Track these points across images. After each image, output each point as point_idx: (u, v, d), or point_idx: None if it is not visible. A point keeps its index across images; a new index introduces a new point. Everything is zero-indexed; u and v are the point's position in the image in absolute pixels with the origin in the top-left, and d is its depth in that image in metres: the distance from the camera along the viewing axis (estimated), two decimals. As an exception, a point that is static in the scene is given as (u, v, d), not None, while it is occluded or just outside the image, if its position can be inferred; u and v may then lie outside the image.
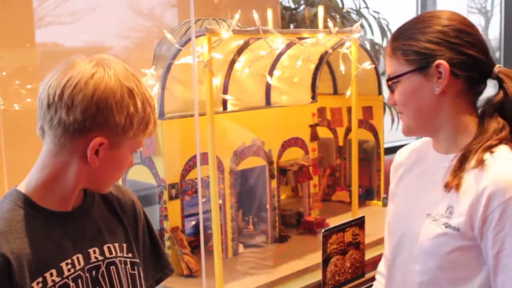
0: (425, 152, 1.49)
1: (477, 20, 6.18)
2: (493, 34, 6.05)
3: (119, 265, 1.27)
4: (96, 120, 1.14)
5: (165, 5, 3.37)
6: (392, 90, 1.41)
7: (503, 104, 1.35)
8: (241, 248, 2.54)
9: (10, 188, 1.23)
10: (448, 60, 1.32)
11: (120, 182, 1.40)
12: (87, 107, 1.12)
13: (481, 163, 1.28)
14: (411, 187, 1.48)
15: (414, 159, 1.52)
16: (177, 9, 3.38)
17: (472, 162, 1.30)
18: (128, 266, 1.30)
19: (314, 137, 2.90)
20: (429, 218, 1.35)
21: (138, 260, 1.33)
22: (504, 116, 1.35)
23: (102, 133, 1.15)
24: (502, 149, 1.31)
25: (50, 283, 1.15)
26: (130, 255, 1.31)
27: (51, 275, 1.16)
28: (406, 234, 1.42)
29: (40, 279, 1.14)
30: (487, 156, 1.29)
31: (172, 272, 1.46)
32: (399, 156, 1.59)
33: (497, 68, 1.37)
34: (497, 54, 5.77)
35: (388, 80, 1.41)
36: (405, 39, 1.37)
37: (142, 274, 1.33)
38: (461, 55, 1.33)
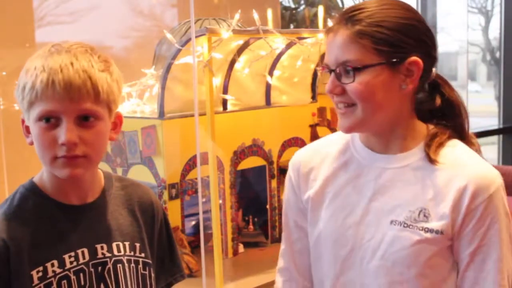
0: (349, 153, 1.35)
1: (477, 20, 6.17)
2: (493, 34, 6.05)
3: (126, 264, 1.27)
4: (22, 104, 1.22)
5: (165, 5, 3.37)
6: (338, 78, 1.24)
7: (442, 107, 1.32)
8: (241, 248, 2.54)
9: (10, 188, 1.25)
10: (421, 58, 1.24)
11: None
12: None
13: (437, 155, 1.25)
14: (344, 194, 1.32)
15: (335, 162, 1.36)
16: (177, 9, 3.38)
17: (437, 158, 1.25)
18: (140, 266, 1.29)
19: (314, 137, 2.90)
20: (396, 226, 1.24)
21: (150, 261, 1.32)
22: (444, 118, 1.32)
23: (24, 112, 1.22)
24: (456, 143, 1.29)
25: (50, 273, 1.16)
26: (142, 255, 1.30)
27: (52, 265, 1.16)
28: (360, 247, 1.28)
29: (40, 268, 1.15)
30: (447, 150, 1.26)
31: (183, 278, 1.43)
32: (304, 157, 1.41)
33: (434, 72, 1.32)
34: (497, 54, 5.77)
35: (350, 67, 1.22)
36: (373, 23, 1.22)
37: (153, 275, 1.33)
38: (427, 56, 1.26)
